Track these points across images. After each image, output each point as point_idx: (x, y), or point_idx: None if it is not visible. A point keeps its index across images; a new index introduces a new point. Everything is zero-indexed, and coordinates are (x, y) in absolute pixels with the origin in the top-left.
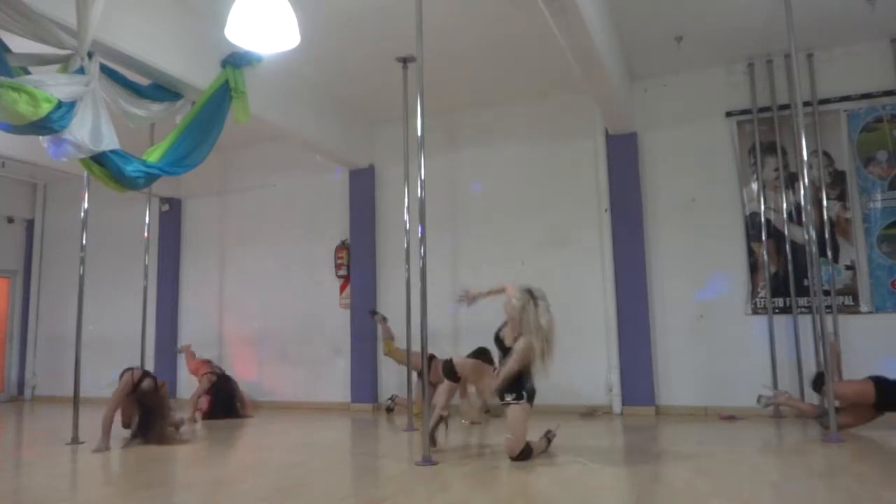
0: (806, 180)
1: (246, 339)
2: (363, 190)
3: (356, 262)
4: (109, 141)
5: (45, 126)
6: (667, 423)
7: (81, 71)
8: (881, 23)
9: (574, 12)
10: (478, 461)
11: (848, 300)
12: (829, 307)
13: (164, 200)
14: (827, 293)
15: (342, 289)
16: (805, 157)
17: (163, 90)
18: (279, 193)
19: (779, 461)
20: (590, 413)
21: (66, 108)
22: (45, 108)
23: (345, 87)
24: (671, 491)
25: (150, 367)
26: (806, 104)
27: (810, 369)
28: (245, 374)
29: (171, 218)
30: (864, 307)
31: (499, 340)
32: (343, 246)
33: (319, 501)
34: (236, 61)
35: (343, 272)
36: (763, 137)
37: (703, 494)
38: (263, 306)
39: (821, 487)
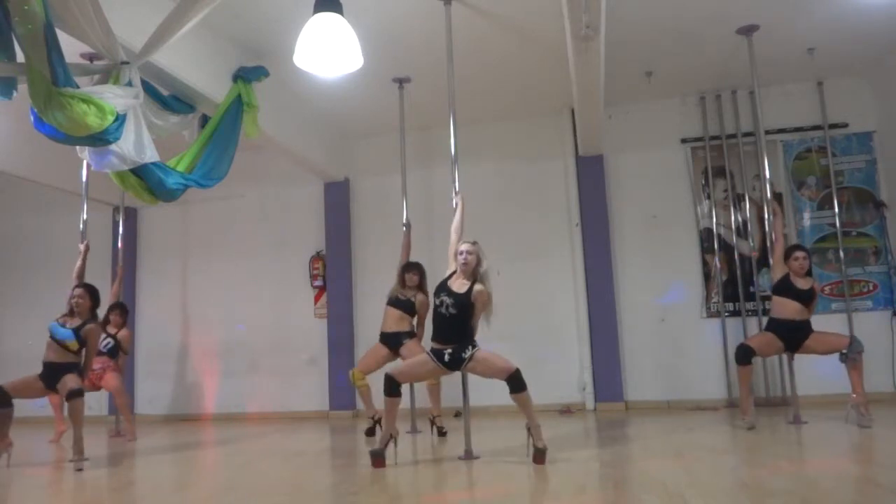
0: (747, 202)
1: (212, 351)
2: (339, 202)
3: (333, 273)
4: (152, 153)
5: (102, 138)
6: (636, 417)
7: (129, 83)
8: (811, 68)
9: (595, 46)
10: (514, 456)
11: None
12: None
13: (117, 210)
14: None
15: (317, 299)
16: (753, 179)
17: (181, 102)
18: (248, 204)
19: (744, 447)
20: (566, 410)
21: (120, 121)
22: (109, 119)
23: (328, 102)
24: (646, 477)
25: None
26: (749, 134)
27: (758, 365)
28: (212, 387)
29: (126, 227)
30: None
31: (444, 288)
32: (318, 257)
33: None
34: (246, 75)
35: (319, 282)
36: (713, 162)
37: (676, 477)
38: (232, 318)
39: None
